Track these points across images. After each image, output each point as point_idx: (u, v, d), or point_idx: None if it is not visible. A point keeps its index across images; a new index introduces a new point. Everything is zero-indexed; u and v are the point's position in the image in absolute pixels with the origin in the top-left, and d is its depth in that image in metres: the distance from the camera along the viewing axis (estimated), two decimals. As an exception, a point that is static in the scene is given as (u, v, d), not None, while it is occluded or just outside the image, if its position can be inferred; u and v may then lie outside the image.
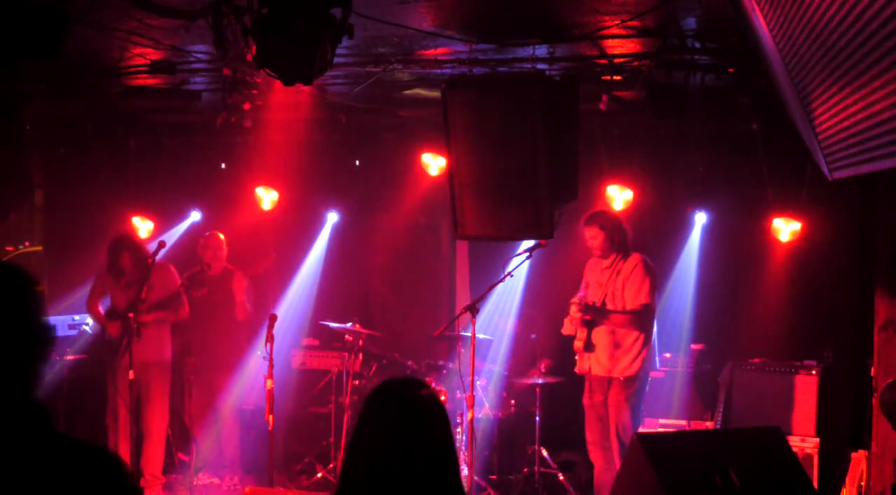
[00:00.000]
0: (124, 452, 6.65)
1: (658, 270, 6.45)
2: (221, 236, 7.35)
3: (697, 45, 5.63)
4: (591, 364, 6.24)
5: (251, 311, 7.34)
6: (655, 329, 6.42)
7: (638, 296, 6.17)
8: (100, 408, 6.83)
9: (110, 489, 1.80)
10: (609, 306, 6.23)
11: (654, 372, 6.89)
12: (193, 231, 8.33)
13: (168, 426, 6.99)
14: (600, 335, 6.21)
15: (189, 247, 7.59)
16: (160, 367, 6.85)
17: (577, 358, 6.36)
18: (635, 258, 6.28)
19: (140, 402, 6.55)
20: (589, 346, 6.22)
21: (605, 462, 6.20)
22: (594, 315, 6.19)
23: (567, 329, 6.41)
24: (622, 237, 6.32)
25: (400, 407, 2.42)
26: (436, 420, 2.43)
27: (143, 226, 8.40)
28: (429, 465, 2.37)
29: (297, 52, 4.10)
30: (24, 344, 1.83)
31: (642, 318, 6.16)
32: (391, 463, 2.34)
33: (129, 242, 7.02)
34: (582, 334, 6.24)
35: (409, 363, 7.45)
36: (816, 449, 6.56)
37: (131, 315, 6.36)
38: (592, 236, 6.32)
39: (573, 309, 6.22)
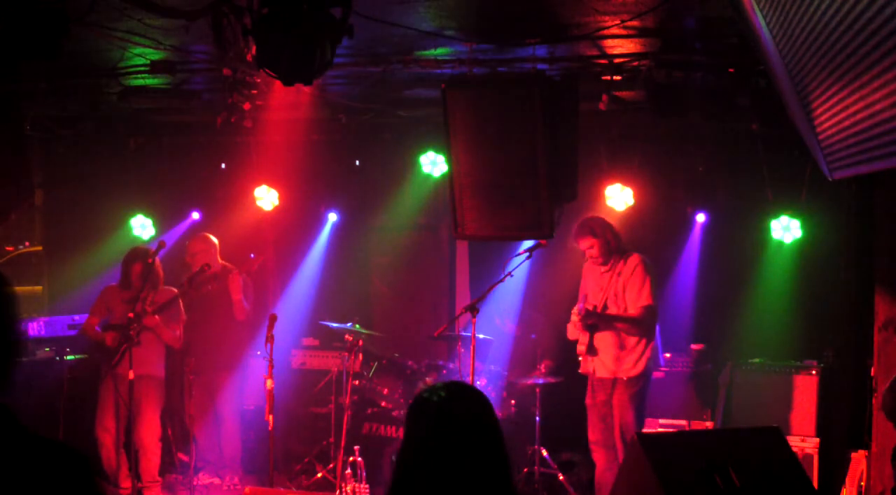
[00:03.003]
0: (123, 458, 6.67)
1: (658, 270, 6.42)
2: (211, 237, 7.29)
3: (697, 45, 5.63)
4: (596, 366, 6.22)
5: (249, 310, 7.32)
6: (658, 328, 6.40)
7: (639, 298, 6.12)
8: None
9: (74, 486, 1.79)
10: (611, 309, 6.18)
11: (655, 371, 6.86)
12: (193, 231, 8.32)
13: (161, 435, 6.97)
14: (603, 338, 6.18)
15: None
16: (154, 382, 6.83)
17: (580, 360, 6.35)
18: (635, 259, 6.22)
19: (133, 416, 6.54)
20: (592, 350, 6.19)
21: (607, 461, 6.20)
22: (597, 321, 6.14)
23: (571, 334, 6.38)
24: (616, 239, 6.26)
25: (465, 419, 2.41)
26: (494, 428, 2.43)
27: (143, 226, 8.41)
28: (488, 473, 2.37)
29: (296, 52, 4.10)
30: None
31: (645, 320, 6.13)
32: (452, 471, 2.33)
33: (143, 253, 6.97)
34: (584, 339, 6.21)
35: (409, 363, 7.45)
36: (816, 449, 6.56)
37: (131, 315, 6.37)
38: (589, 246, 6.24)
39: (574, 317, 6.18)
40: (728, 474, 4.03)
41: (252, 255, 7.21)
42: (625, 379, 6.11)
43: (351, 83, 6.74)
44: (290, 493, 6.82)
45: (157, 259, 6.79)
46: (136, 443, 6.66)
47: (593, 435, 6.28)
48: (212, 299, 7.20)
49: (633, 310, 6.14)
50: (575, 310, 6.20)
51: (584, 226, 6.27)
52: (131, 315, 6.39)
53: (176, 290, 6.91)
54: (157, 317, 6.65)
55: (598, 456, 6.27)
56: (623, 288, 6.18)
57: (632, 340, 6.14)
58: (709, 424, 6.97)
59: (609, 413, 6.19)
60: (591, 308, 6.16)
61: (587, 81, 6.01)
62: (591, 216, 6.40)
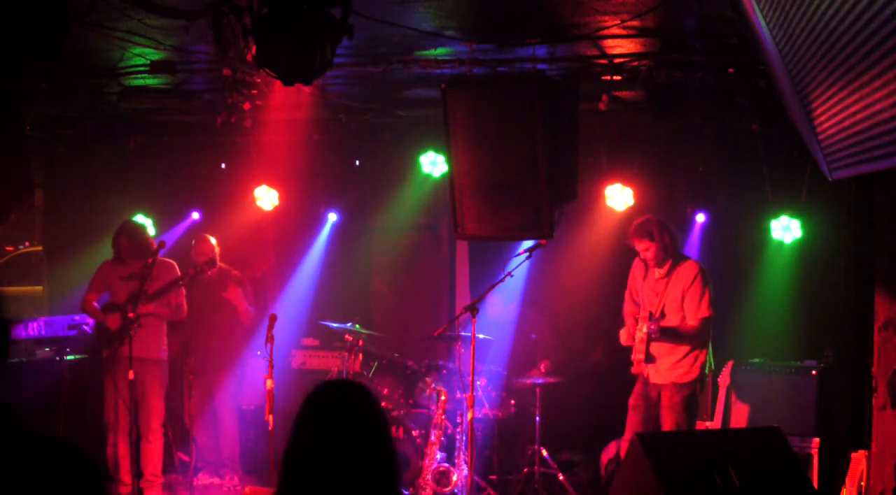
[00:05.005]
0: (123, 452, 6.66)
1: None
2: (212, 239, 7.32)
3: (697, 45, 5.63)
4: (650, 372, 6.26)
5: (255, 314, 7.35)
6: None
7: (699, 309, 6.15)
8: (100, 408, 6.82)
9: (77, 483, 1.80)
10: (669, 316, 6.19)
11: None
12: (193, 231, 8.33)
13: (166, 425, 6.98)
14: (659, 345, 6.21)
15: (189, 248, 7.58)
16: (157, 365, 6.84)
17: (633, 361, 6.33)
18: (692, 268, 6.22)
19: (137, 401, 6.55)
20: (650, 358, 6.21)
21: None
22: (661, 334, 6.14)
23: (625, 340, 6.38)
24: (673, 242, 6.25)
25: (337, 409, 2.43)
26: (373, 421, 2.44)
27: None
28: (364, 466, 2.37)
29: (296, 52, 4.10)
30: None
31: (703, 331, 6.19)
32: (327, 464, 2.34)
33: (128, 228, 7.00)
34: (642, 347, 6.22)
35: (409, 363, 7.45)
36: (816, 449, 6.56)
37: (131, 314, 6.36)
38: (645, 248, 6.23)
39: (641, 334, 6.15)
40: (728, 474, 4.03)
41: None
42: (678, 383, 6.16)
43: (351, 83, 6.74)
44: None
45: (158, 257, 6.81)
46: (141, 428, 6.66)
47: (630, 434, 6.29)
48: (211, 300, 7.22)
49: (691, 322, 6.17)
50: (643, 327, 6.15)
51: (643, 228, 6.24)
52: (132, 314, 6.35)
53: (175, 263, 6.95)
54: (151, 305, 6.65)
55: None
56: (681, 296, 6.19)
57: (686, 347, 6.18)
58: (709, 424, 6.97)
59: (658, 415, 6.23)
60: (660, 324, 6.11)
61: (587, 81, 6.01)
62: (650, 217, 6.33)
